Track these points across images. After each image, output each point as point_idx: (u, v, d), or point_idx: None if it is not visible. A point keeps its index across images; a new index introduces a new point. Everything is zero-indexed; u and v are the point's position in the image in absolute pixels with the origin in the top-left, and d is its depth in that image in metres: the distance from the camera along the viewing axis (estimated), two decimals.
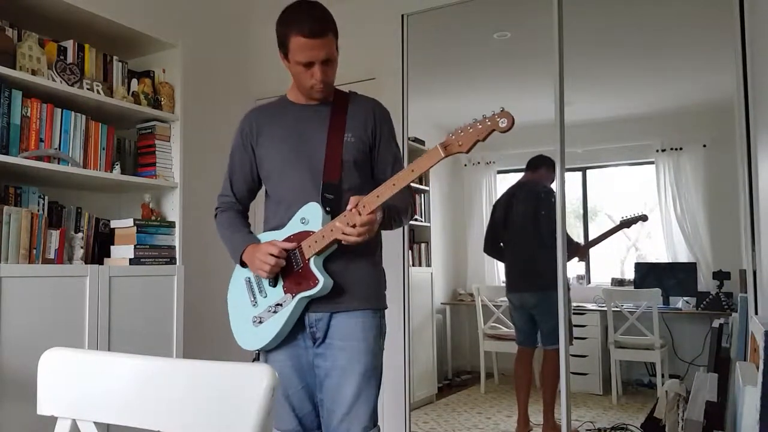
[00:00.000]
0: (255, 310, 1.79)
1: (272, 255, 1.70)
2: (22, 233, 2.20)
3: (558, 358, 2.95)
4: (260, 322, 1.77)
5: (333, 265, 1.74)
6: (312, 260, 1.70)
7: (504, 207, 3.84)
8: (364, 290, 1.77)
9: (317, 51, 1.70)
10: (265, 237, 1.81)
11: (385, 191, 1.62)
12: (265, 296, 1.78)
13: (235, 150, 1.92)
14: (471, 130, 1.53)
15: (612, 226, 4.14)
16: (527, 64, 3.96)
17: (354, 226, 1.62)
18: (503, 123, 1.49)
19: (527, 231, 3.66)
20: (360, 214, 1.62)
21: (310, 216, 1.74)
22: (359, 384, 1.70)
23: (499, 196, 4.08)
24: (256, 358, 1.83)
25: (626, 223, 4.07)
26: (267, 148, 1.85)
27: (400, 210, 1.81)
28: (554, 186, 3.07)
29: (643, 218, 4.06)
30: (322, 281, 1.69)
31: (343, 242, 1.66)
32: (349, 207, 1.64)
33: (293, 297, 1.72)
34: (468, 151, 1.55)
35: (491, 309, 4.58)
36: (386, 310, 1.86)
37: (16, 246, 2.18)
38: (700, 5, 3.31)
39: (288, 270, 1.74)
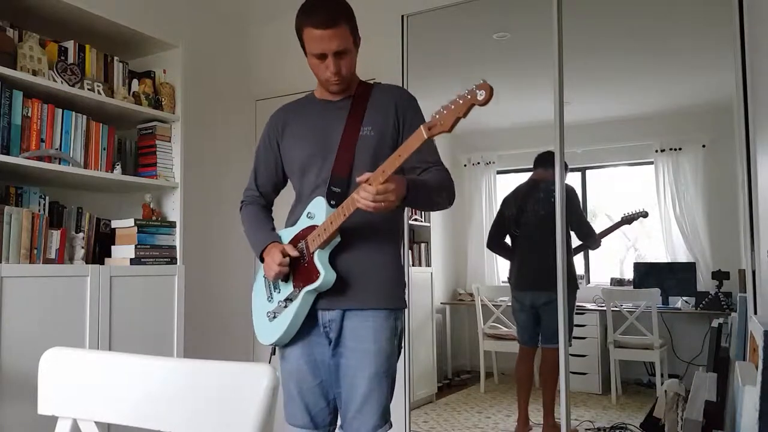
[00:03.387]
0: (270, 306, 1.82)
1: (276, 263, 1.71)
2: (23, 233, 2.21)
3: (557, 357, 2.95)
4: (274, 317, 1.79)
5: (348, 259, 1.73)
6: (316, 254, 1.70)
7: (517, 204, 3.78)
8: (380, 288, 1.75)
9: (328, 42, 1.68)
10: (282, 233, 1.84)
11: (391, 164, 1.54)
12: (279, 291, 1.80)
13: (261, 146, 1.95)
14: (453, 107, 1.45)
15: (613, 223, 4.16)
16: (527, 64, 3.96)
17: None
18: (481, 95, 1.40)
19: (546, 230, 3.61)
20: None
21: (316, 210, 1.74)
22: (370, 385, 1.71)
23: (498, 195, 4.06)
24: (273, 353, 1.86)
25: (628, 220, 4.10)
26: (290, 145, 1.86)
27: (431, 187, 1.72)
28: (553, 186, 3.07)
29: (644, 214, 4.10)
30: (323, 275, 1.68)
31: (362, 209, 1.56)
32: (359, 179, 1.57)
33: (300, 291, 1.73)
34: (450, 130, 1.46)
35: (491, 309, 4.58)
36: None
37: (17, 246, 2.19)
38: (699, 5, 3.31)
39: (297, 265, 1.76)
